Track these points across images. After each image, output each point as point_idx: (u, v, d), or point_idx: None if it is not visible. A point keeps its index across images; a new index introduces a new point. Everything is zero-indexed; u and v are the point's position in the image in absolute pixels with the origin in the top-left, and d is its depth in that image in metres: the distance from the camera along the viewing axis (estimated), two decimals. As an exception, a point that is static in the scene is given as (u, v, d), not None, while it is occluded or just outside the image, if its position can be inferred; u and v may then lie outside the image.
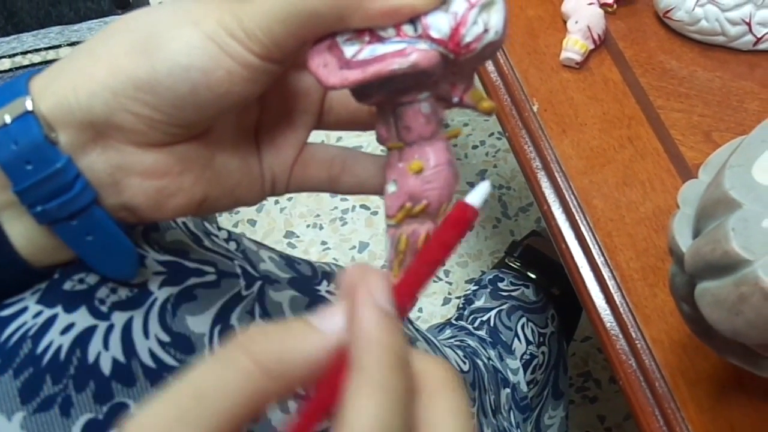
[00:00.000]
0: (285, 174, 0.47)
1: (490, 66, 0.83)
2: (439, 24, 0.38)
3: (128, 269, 0.45)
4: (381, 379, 0.31)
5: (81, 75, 0.39)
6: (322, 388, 0.32)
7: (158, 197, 0.42)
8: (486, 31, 0.39)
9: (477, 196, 0.37)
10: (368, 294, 0.32)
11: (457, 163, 0.43)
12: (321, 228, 1.59)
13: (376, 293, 0.32)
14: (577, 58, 0.80)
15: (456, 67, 0.40)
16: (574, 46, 0.79)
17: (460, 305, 1.11)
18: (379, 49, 0.39)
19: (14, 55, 1.14)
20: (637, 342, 0.65)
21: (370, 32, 0.39)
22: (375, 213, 1.61)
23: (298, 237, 1.58)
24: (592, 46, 0.80)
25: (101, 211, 0.41)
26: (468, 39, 0.39)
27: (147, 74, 0.38)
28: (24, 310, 0.44)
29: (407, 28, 0.39)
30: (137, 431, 0.30)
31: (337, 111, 0.48)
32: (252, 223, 1.60)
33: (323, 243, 1.57)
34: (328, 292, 0.59)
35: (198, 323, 0.49)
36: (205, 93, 0.39)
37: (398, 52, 0.38)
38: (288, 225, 1.59)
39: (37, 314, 0.44)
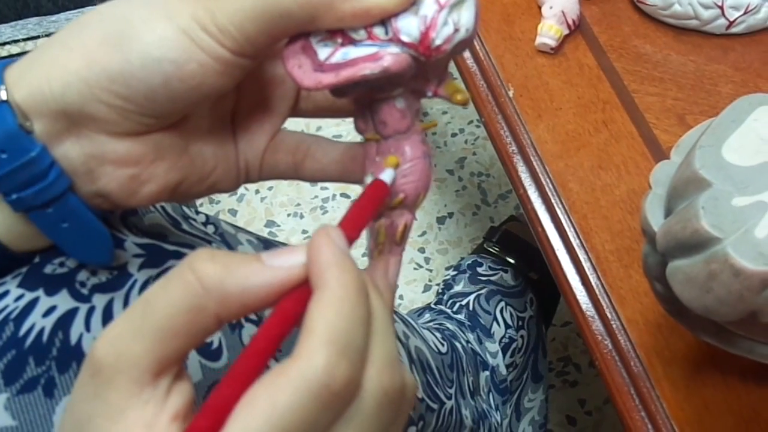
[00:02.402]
0: (257, 160, 0.47)
1: (465, 52, 0.83)
2: (409, 27, 0.39)
3: (104, 255, 0.45)
4: (341, 293, 0.33)
5: (55, 65, 0.39)
6: (280, 314, 0.33)
7: (131, 184, 0.42)
8: (456, 30, 0.40)
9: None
10: (327, 235, 0.34)
11: (432, 153, 0.44)
12: (302, 217, 1.59)
13: (333, 236, 0.34)
14: (552, 43, 0.80)
15: (429, 65, 0.41)
16: (549, 32, 0.80)
17: (439, 290, 1.12)
18: (352, 52, 0.40)
19: (-8, 46, 1.14)
20: (612, 323, 0.66)
21: (342, 33, 0.40)
22: (355, 201, 1.60)
23: (278, 226, 1.58)
24: (566, 32, 0.81)
25: (76, 199, 0.42)
26: (438, 42, 0.39)
27: (120, 66, 0.39)
28: (5, 293, 0.44)
29: (378, 30, 0.39)
30: (99, 345, 0.32)
31: (315, 97, 0.48)
32: (233, 212, 1.60)
33: (304, 232, 1.57)
34: None
35: None
36: (177, 85, 0.39)
37: (370, 57, 0.39)
38: (269, 214, 1.59)
39: (19, 297, 0.44)
